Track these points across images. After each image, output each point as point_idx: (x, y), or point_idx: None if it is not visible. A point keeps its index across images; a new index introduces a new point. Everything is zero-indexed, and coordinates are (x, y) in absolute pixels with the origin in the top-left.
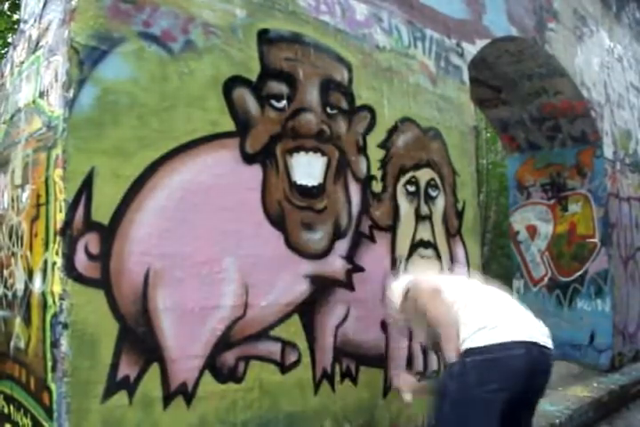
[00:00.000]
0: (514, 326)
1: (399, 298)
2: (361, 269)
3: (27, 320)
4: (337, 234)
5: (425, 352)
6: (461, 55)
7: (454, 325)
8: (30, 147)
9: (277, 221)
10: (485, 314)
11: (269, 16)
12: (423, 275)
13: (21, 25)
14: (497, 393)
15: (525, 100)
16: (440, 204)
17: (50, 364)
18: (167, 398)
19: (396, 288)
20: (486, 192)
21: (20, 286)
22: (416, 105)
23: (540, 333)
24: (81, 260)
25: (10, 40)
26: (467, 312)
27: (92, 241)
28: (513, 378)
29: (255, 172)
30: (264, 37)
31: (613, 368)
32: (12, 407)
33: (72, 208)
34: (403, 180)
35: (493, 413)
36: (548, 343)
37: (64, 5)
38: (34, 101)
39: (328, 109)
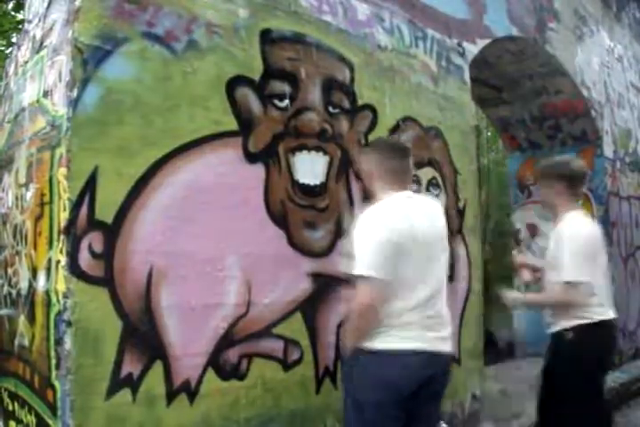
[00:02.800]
0: None
1: None
2: None
3: (31, 318)
4: (339, 232)
5: None
6: (462, 55)
7: None
8: (34, 146)
9: (280, 219)
10: None
11: (272, 16)
12: None
13: (26, 25)
14: None
15: (526, 99)
16: (441, 202)
17: (54, 361)
18: (170, 396)
19: None
20: (487, 191)
21: (24, 285)
22: (417, 104)
23: None
24: (85, 258)
25: (14, 40)
26: None
27: (95, 240)
28: None
29: (258, 170)
30: (267, 37)
31: (613, 366)
32: (16, 405)
33: (76, 207)
34: None
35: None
36: None
37: (68, 5)
38: (38, 101)
39: (330, 109)
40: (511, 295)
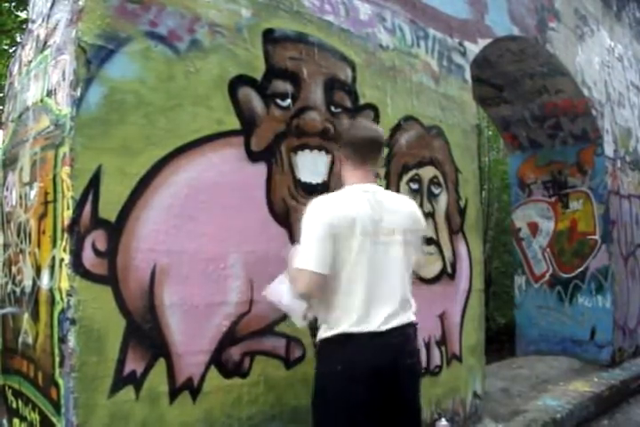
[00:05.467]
0: None
1: None
2: None
3: (35, 316)
4: None
5: (428, 347)
6: (464, 54)
7: None
8: (38, 145)
9: (282, 218)
10: None
11: (274, 16)
12: None
13: (29, 25)
14: None
15: (527, 98)
16: (443, 201)
17: (57, 359)
18: (173, 393)
19: None
20: (488, 190)
21: (28, 283)
22: (419, 103)
23: None
24: (88, 256)
25: (17, 39)
26: None
27: (99, 238)
28: None
29: (260, 169)
30: (269, 37)
31: (614, 363)
32: (20, 402)
33: (79, 205)
34: (406, 177)
35: None
36: None
37: (71, 5)
38: (42, 100)
39: (332, 108)
40: None
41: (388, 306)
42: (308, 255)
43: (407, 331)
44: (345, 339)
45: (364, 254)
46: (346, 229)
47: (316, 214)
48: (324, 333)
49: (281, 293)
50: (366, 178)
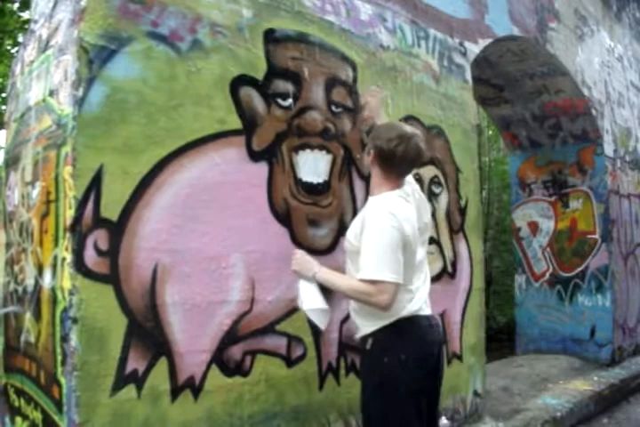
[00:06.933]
0: None
1: None
2: None
3: (37, 315)
4: (342, 230)
5: None
6: (464, 54)
7: None
8: (40, 144)
9: (283, 217)
10: None
11: (275, 16)
12: None
13: (32, 25)
14: None
15: (527, 98)
16: (443, 200)
17: (59, 358)
18: (175, 392)
19: None
20: (489, 189)
21: (30, 282)
22: (419, 103)
23: None
24: (90, 256)
25: (20, 39)
26: None
27: (101, 237)
28: None
29: (261, 169)
30: (270, 37)
31: (614, 362)
32: (22, 401)
33: (81, 205)
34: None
35: None
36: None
37: (73, 6)
38: (44, 100)
39: (333, 108)
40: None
41: (422, 299)
42: (385, 266)
43: (433, 320)
44: (403, 326)
45: (418, 257)
46: (412, 236)
47: (386, 221)
48: (378, 322)
49: (313, 299)
50: (402, 183)
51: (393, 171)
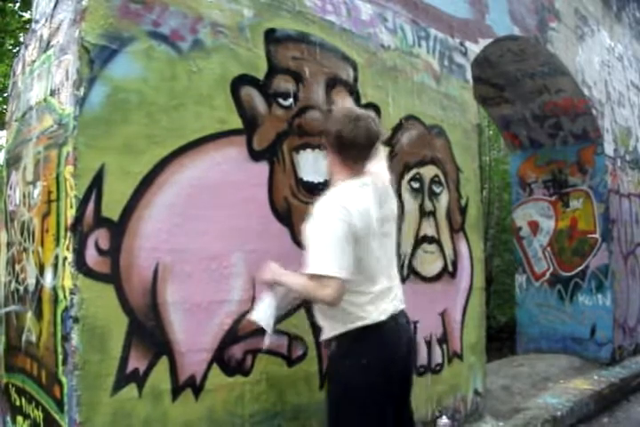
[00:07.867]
0: None
1: None
2: None
3: (38, 314)
4: None
5: (429, 345)
6: (465, 54)
7: None
8: (41, 144)
9: (284, 216)
10: None
11: (276, 16)
12: None
13: (33, 25)
14: None
15: (527, 98)
16: (444, 200)
17: (61, 357)
18: (176, 391)
19: None
20: (489, 189)
21: (31, 281)
22: (420, 103)
23: None
24: (91, 255)
25: (21, 39)
26: None
27: (102, 237)
28: None
29: (262, 168)
30: (271, 37)
31: (614, 361)
32: (23, 400)
33: (82, 204)
34: (407, 176)
35: None
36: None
37: (75, 5)
38: (45, 100)
39: (334, 107)
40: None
41: (388, 297)
42: (330, 260)
43: (401, 319)
44: (366, 330)
45: (377, 251)
46: (365, 228)
47: (333, 214)
48: (341, 327)
49: (263, 316)
50: (361, 171)
51: (347, 156)
